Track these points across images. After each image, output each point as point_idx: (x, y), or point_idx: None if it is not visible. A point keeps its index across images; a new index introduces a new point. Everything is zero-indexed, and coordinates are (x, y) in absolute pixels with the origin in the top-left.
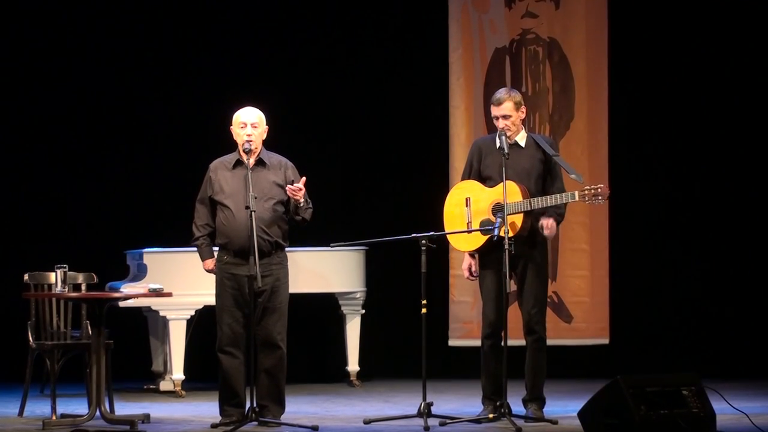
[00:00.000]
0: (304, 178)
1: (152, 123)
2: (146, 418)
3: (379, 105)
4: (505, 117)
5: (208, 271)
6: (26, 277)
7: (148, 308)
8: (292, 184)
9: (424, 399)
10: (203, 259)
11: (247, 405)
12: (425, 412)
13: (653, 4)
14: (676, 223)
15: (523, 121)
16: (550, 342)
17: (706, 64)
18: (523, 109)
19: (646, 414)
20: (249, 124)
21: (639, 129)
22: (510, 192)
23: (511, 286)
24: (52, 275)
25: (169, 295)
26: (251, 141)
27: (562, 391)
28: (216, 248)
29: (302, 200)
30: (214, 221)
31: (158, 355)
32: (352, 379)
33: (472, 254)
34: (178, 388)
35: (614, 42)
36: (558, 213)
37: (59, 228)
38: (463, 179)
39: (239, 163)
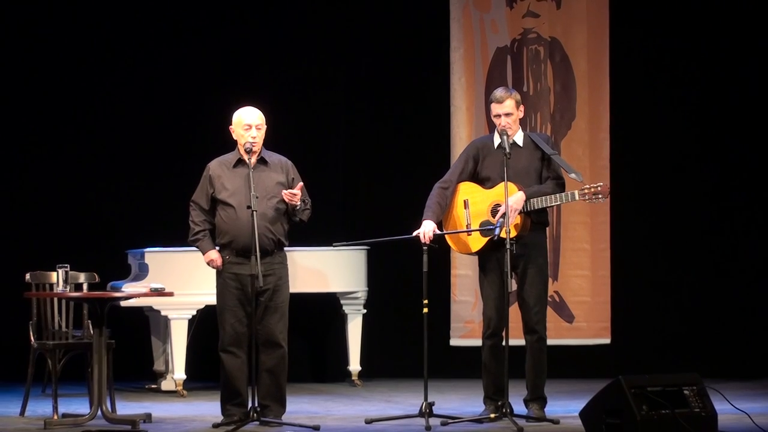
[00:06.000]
0: (301, 183)
1: (153, 122)
2: (148, 417)
3: (380, 104)
4: (507, 114)
5: (212, 263)
6: (28, 276)
7: (150, 308)
8: (292, 184)
9: (426, 399)
10: (205, 251)
11: (249, 404)
12: (427, 412)
13: (654, 3)
14: (677, 223)
15: (522, 121)
16: (551, 342)
17: (707, 64)
18: (522, 108)
19: (647, 414)
20: (254, 126)
21: (640, 128)
22: (509, 192)
23: (512, 285)
24: (54, 275)
25: (171, 294)
26: (254, 143)
27: (564, 391)
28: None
29: (299, 204)
30: (211, 220)
31: (160, 355)
32: (353, 378)
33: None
34: (180, 388)
35: (615, 41)
36: (541, 191)
37: (61, 227)
38: (452, 178)
39: (240, 162)
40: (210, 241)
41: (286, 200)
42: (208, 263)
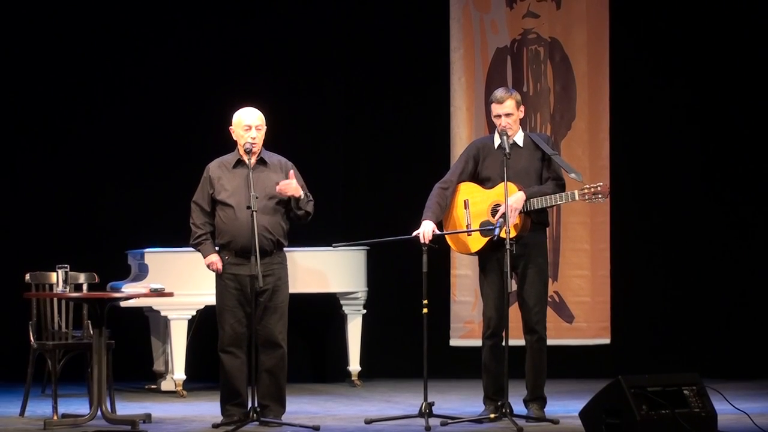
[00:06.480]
0: (291, 171)
1: (153, 123)
2: (147, 418)
3: (380, 104)
4: (507, 115)
5: (212, 266)
6: (27, 276)
7: (150, 308)
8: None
9: (426, 399)
10: (207, 254)
11: (249, 405)
12: (426, 412)
13: (654, 3)
14: (677, 223)
15: (522, 121)
16: (551, 342)
17: (707, 64)
18: (522, 108)
19: (647, 414)
20: (254, 126)
21: (640, 128)
22: (509, 192)
23: (512, 285)
24: (54, 275)
25: (171, 295)
26: (254, 143)
27: (564, 391)
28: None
29: (302, 194)
30: (212, 221)
31: (159, 355)
32: (353, 378)
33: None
34: (180, 388)
35: (615, 42)
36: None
37: (61, 227)
38: (452, 178)
39: (240, 162)
40: (211, 244)
41: (288, 194)
42: (208, 266)
